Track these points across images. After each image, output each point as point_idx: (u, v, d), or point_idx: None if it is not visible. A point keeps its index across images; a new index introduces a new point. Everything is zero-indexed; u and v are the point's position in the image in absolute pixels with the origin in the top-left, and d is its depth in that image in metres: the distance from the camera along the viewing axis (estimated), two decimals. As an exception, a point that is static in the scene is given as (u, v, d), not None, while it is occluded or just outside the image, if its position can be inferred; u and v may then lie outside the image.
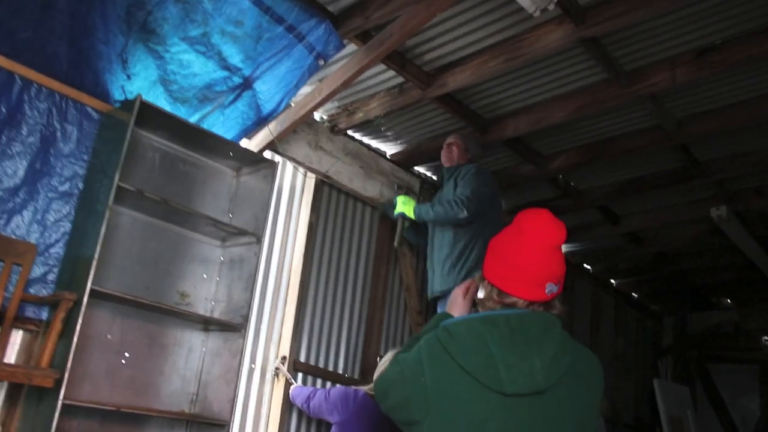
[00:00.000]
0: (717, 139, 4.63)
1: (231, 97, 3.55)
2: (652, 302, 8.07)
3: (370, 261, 4.78)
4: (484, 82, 4.13)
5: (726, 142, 4.69)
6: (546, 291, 1.75)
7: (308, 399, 3.48)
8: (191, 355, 3.59)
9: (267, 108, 3.64)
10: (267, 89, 3.56)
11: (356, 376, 4.49)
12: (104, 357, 3.22)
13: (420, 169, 5.18)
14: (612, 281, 7.41)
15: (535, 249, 1.75)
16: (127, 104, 3.25)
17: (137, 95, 3.18)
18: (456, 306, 2.07)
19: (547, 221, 1.78)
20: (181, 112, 3.50)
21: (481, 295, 1.95)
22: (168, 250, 3.60)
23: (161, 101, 3.42)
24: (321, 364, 4.32)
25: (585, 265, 6.99)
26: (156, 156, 3.60)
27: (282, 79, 3.51)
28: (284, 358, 4.03)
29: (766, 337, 7.50)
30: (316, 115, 4.44)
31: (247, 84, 3.52)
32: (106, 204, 3.00)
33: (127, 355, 3.30)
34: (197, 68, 3.37)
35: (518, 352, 1.65)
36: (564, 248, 6.97)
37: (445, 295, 4.09)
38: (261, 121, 3.73)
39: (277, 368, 3.99)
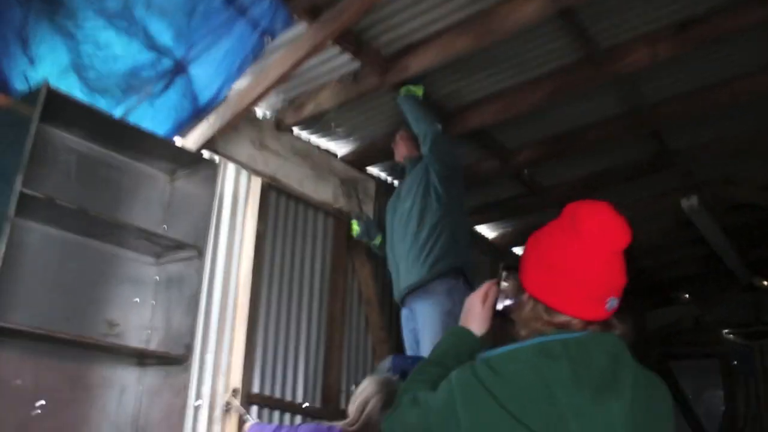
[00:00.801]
0: (690, 125, 4.31)
1: (161, 85, 2.94)
2: (610, 302, 7.78)
3: (326, 274, 4.23)
4: (447, 67, 3.65)
5: (699, 128, 4.37)
6: (607, 307, 1.39)
7: (270, 439, 2.90)
8: (124, 396, 2.94)
9: (204, 97, 3.06)
10: (204, 74, 2.97)
11: (318, 405, 3.92)
12: (12, 408, 2.55)
13: (374, 169, 4.66)
14: (572, 283, 7.08)
15: (598, 255, 1.37)
16: (31, 95, 2.64)
17: (43, 83, 2.57)
18: (473, 317, 1.64)
19: (611, 218, 1.41)
20: (101, 104, 2.88)
21: (503, 302, 1.61)
22: (91, 271, 2.96)
23: (75, 91, 2.80)
24: (278, 394, 3.74)
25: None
26: (71, 159, 2.97)
27: (222, 61, 2.94)
28: (235, 390, 3.43)
29: (725, 330, 7.31)
30: (259, 111, 3.88)
31: (179, 68, 2.92)
32: (7, 216, 2.37)
33: (42, 403, 2.63)
34: (118, 49, 2.76)
35: (590, 395, 1.25)
36: (521, 251, 6.49)
37: (412, 290, 3.59)
38: (198, 113, 3.14)
39: (228, 403, 3.38)
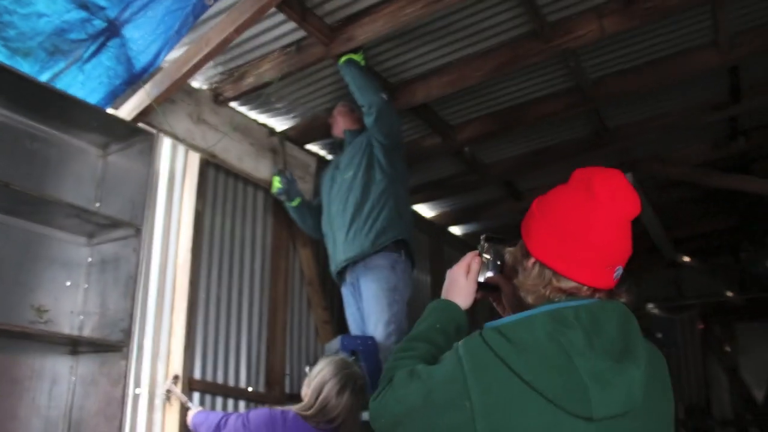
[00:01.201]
0: (629, 102, 4.31)
1: (92, 48, 2.65)
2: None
3: (267, 254, 4.02)
4: (392, 39, 3.50)
5: (637, 105, 4.38)
6: (615, 275, 1.33)
7: (218, 428, 2.67)
8: (56, 388, 2.66)
9: (141, 62, 2.77)
10: (140, 36, 2.68)
11: (261, 389, 3.73)
12: (-72, 405, 2.26)
13: (316, 146, 4.45)
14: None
15: (613, 221, 1.31)
16: (-58, 56, 2.32)
17: (-44, 42, 2.27)
18: (458, 290, 1.54)
19: (625, 186, 1.35)
20: (23, 68, 2.57)
21: (485, 274, 1.55)
22: (16, 253, 2.66)
23: (-7, 53, 2.49)
24: (220, 380, 3.52)
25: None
26: (-10, 130, 2.65)
27: (160, 22, 2.65)
28: (176, 376, 3.20)
29: (650, 304, 7.50)
30: (196, 84, 3.61)
31: (113, 29, 2.63)
32: None
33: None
34: (43, 6, 2.45)
35: (610, 362, 1.19)
36: (460, 230, 6.31)
37: (353, 263, 3.44)
38: (133, 81, 2.85)
39: (168, 390, 3.15)
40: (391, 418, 1.32)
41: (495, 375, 1.18)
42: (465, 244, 6.29)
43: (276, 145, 4.02)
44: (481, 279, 1.57)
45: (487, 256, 1.60)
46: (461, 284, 1.54)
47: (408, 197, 3.74)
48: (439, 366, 1.28)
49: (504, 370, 1.17)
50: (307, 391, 2.59)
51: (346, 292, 3.62)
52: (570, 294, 1.30)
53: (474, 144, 4.65)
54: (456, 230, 6.11)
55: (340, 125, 3.80)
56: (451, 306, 1.52)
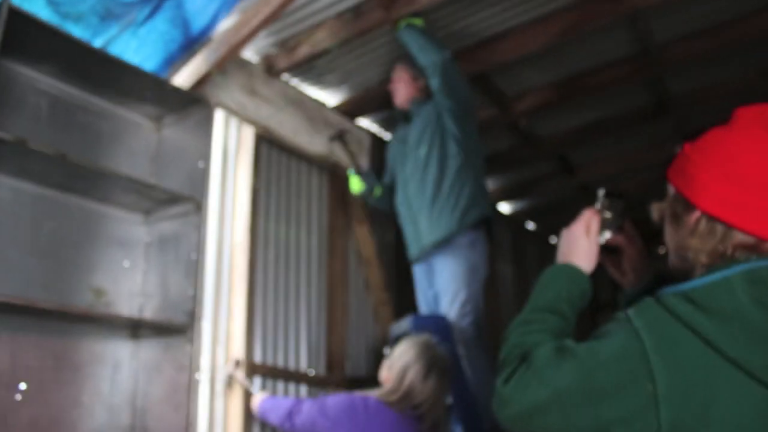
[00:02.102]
0: (694, 68, 3.97)
1: (146, 11, 2.39)
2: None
3: (324, 233, 3.76)
4: (453, 3, 3.19)
5: (700, 72, 4.03)
6: None
7: (290, 415, 2.43)
8: (118, 373, 2.43)
9: (198, 25, 2.51)
10: (197, -3, 2.43)
11: (322, 372, 3.48)
12: (-12, 395, 2.04)
13: (368, 120, 4.17)
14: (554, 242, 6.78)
15: None
16: (-11, 19, 2.07)
17: (3, 2, 2.02)
18: (579, 252, 1.31)
19: None
20: (74, 34, 2.32)
21: (604, 234, 1.36)
22: (71, 231, 2.42)
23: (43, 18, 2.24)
24: (281, 363, 3.28)
25: (527, 226, 6.27)
26: (41, 102, 2.41)
27: (218, -19, 2.40)
28: (238, 361, 2.96)
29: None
30: (247, 54, 3.35)
31: (168, -11, 2.38)
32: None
33: (23, 386, 2.12)
34: (94, -36, 2.21)
35: None
36: (509, 206, 5.94)
37: (444, 243, 3.11)
38: (189, 45, 2.59)
39: (230, 376, 2.92)
40: (530, 405, 1.04)
41: (686, 351, 0.94)
42: (511, 222, 6.00)
43: (334, 137, 3.70)
44: (603, 240, 1.36)
45: (608, 214, 1.39)
46: (583, 245, 1.31)
47: (485, 169, 3.45)
48: (605, 341, 1.03)
49: (698, 346, 0.94)
50: (388, 375, 2.33)
51: (419, 271, 3.35)
52: (748, 250, 1.05)
53: (531, 115, 4.33)
54: (504, 207, 5.81)
55: (403, 93, 3.44)
56: (576, 270, 1.28)
